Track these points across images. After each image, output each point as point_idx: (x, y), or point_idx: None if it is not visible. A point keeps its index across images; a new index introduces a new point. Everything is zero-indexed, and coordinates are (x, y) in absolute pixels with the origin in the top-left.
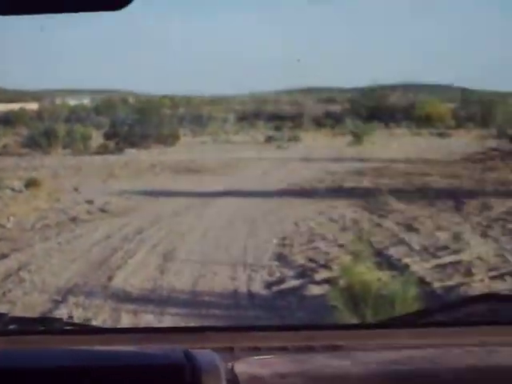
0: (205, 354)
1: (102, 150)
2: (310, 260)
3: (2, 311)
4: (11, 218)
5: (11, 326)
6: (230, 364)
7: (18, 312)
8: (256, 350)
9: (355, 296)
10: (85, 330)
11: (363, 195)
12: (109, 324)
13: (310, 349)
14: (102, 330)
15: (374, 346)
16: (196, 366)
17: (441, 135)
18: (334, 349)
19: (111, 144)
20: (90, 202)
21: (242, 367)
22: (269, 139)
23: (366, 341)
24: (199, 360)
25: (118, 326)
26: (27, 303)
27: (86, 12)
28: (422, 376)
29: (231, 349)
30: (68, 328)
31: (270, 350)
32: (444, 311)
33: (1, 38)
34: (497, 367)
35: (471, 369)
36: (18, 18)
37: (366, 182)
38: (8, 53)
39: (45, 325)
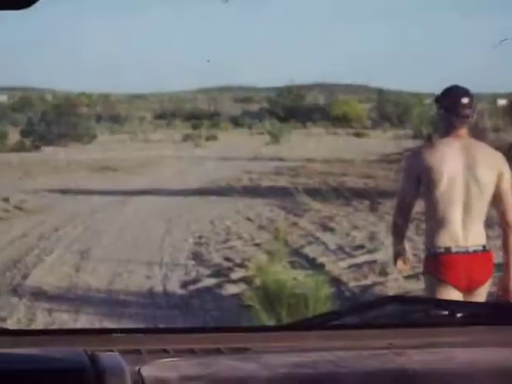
0: (110, 356)
1: (19, 148)
2: (226, 259)
3: None
4: None
5: None
6: (136, 367)
7: None
8: (164, 353)
9: (270, 295)
10: None
11: (280, 194)
12: (24, 323)
13: (218, 351)
14: (6, 331)
15: (282, 348)
16: (100, 369)
17: (357, 135)
18: (242, 351)
19: (28, 142)
20: (5, 199)
21: (148, 370)
22: (186, 138)
23: (275, 343)
24: (103, 363)
25: (32, 326)
26: None
27: None
28: (327, 380)
29: (138, 351)
30: None
31: (178, 353)
32: (353, 313)
33: None
34: (403, 370)
35: (378, 372)
36: None
37: (282, 182)
38: None
39: None
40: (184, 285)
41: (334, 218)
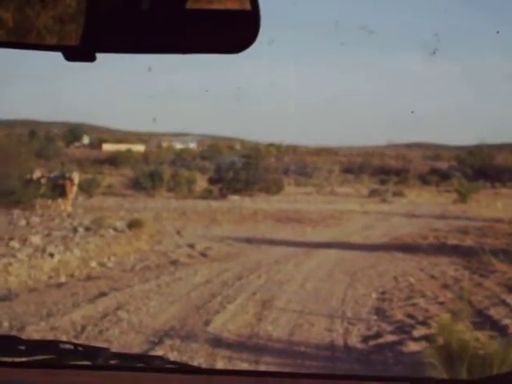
0: None
1: (206, 195)
2: (409, 316)
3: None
4: (112, 258)
5: (111, 362)
6: None
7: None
8: None
9: (452, 355)
10: (183, 369)
11: (465, 254)
12: None
13: None
14: (201, 370)
15: None
16: None
17: None
18: None
19: (215, 189)
20: (191, 245)
21: None
22: (373, 193)
23: None
24: None
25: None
26: (123, 343)
27: (205, 53)
28: None
29: None
30: (167, 366)
31: None
32: None
33: (110, 81)
34: None
35: None
36: (126, 59)
37: (468, 241)
38: (115, 95)
39: (145, 362)
40: (365, 340)
41: None
